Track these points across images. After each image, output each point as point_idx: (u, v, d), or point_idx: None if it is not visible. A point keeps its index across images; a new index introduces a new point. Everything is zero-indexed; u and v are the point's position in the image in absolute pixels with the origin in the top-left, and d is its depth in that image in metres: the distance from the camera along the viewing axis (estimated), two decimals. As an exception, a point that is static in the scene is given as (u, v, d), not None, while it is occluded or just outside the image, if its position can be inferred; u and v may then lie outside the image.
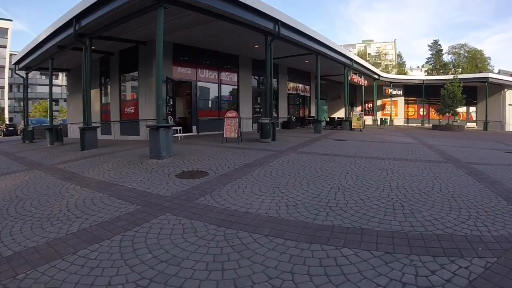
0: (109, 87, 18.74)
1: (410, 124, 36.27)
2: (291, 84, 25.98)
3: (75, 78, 20.80)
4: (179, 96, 19.28)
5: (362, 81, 27.13)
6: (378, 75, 31.49)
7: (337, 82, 28.73)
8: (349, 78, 23.91)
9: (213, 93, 19.57)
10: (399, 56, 67.36)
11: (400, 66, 64.18)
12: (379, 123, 33.01)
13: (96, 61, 17.74)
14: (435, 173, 7.46)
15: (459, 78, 30.92)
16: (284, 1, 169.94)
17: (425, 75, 52.52)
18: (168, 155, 9.28)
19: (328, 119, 25.79)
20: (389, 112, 36.82)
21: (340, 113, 32.85)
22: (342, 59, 21.93)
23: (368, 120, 34.33)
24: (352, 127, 22.75)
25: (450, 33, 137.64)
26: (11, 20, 62.35)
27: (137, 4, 10.26)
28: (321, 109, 31.27)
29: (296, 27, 14.90)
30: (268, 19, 12.91)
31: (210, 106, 19.41)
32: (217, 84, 19.46)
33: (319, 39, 17.59)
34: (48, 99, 14.30)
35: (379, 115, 37.35)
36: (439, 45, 54.37)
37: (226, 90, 20.22)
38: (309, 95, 28.77)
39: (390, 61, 65.69)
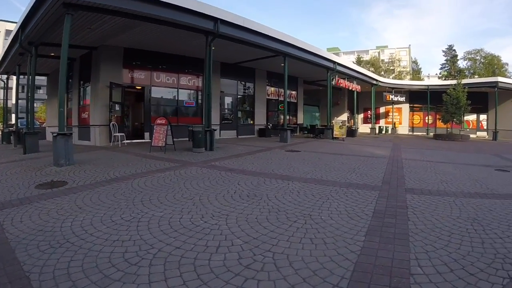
0: (71, 92, 17.92)
1: (415, 133, 32.66)
2: (272, 89, 23.61)
3: (52, 83, 20.53)
4: (139, 101, 17.78)
5: (353, 86, 24.12)
6: (376, 80, 28.23)
7: (334, 88, 25.65)
8: (333, 82, 21.07)
9: (171, 99, 17.90)
10: (415, 62, 62.52)
11: (416, 73, 59.71)
12: (377, 132, 29.61)
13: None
14: (313, 215, 4.92)
15: (466, 83, 27.37)
16: (307, 8, 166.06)
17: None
18: (68, 163, 8.81)
19: (309, 127, 22.85)
20: (393, 120, 33.28)
21: (337, 121, 29.84)
22: (321, 62, 19.52)
23: (366, 128, 31.10)
24: (334, 136, 19.92)
25: (471, 40, 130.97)
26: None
27: (51, 16, 10.06)
28: (313, 116, 28.56)
29: (240, 24, 13.34)
30: (205, 17, 11.84)
31: (166, 112, 17.63)
32: (176, 89, 17.83)
33: (280, 38, 15.59)
34: (29, 102, 14.20)
35: (382, 123, 33.99)
36: (454, 50, 49.79)
37: (187, 95, 18.51)
38: (295, 101, 26.01)
39: (404, 68, 61.30)
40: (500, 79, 27.17)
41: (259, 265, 3.13)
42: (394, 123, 32.85)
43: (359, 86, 25.29)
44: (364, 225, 4.36)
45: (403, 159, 11.74)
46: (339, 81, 21.95)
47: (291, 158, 11.05)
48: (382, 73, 52.60)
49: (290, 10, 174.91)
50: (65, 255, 3.32)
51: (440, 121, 27.20)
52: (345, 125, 20.30)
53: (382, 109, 34.62)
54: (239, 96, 21.57)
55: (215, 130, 13.29)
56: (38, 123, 31.55)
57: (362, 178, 7.88)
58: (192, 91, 18.63)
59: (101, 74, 14.61)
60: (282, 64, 19.10)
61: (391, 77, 50.39)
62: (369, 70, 52.98)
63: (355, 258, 3.34)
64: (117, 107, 15.35)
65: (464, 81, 29.15)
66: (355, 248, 3.59)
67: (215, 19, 12.11)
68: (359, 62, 55.25)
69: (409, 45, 76.64)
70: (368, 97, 29.90)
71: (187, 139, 14.91)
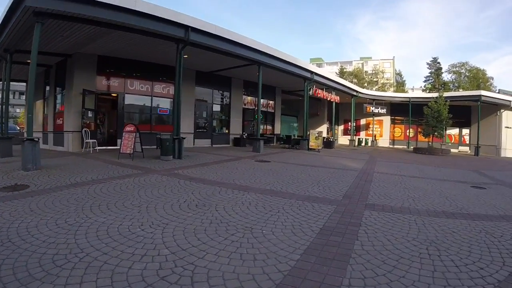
0: (47, 99, 18.00)
1: (396, 146, 32.17)
2: (249, 98, 22.90)
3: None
4: (115, 108, 17.21)
5: (332, 97, 23.47)
6: (356, 91, 27.68)
7: (313, 98, 24.88)
8: (310, 92, 20.41)
9: (145, 106, 17.46)
10: (399, 74, 62.38)
11: (400, 85, 59.64)
12: (356, 144, 28.98)
13: (41, 73, 17.68)
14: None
15: (449, 96, 27.03)
16: (292, 19, 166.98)
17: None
18: (35, 167, 8.84)
19: (284, 137, 22.10)
20: (374, 132, 32.75)
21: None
22: (298, 72, 18.97)
23: (346, 140, 30.51)
24: (310, 147, 19.16)
25: (458, 53, 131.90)
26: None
27: (23, 25, 10.24)
28: (291, 126, 27.87)
29: (212, 32, 13.09)
30: (175, 25, 11.64)
31: (141, 119, 17.31)
32: (150, 97, 17.34)
33: (254, 46, 15.20)
34: (3, 106, 14.48)
35: (362, 135, 33.45)
36: (439, 63, 49.73)
37: (161, 103, 17.96)
38: (273, 110, 25.27)
39: (387, 79, 61.20)
40: (483, 92, 26.74)
41: (175, 278, 3.00)
42: (375, 136, 32.33)
43: (338, 97, 24.67)
44: (305, 243, 4.00)
45: (374, 173, 11.15)
46: (317, 91, 21.26)
47: (258, 169, 10.56)
48: (366, 84, 52.31)
49: (276, 20, 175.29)
50: (3, 253, 3.43)
51: (421, 134, 26.65)
52: (321, 136, 19.53)
53: (363, 121, 34.12)
54: (214, 105, 20.88)
55: (185, 138, 12.91)
56: (19, 129, 30.86)
57: (324, 191, 7.39)
58: (166, 99, 18.09)
59: (74, 81, 14.51)
60: (257, 73, 18.62)
61: (374, 88, 50.16)
62: (352, 81, 52.94)
63: (280, 279, 3.04)
64: (90, 114, 15.18)
65: (447, 94, 28.82)
66: (284, 268, 3.29)
67: (185, 27, 11.88)
68: (342, 73, 54.98)
69: (393, 56, 76.40)
70: (349, 108, 29.41)
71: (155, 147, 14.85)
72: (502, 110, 27.77)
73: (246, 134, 20.98)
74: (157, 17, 10.93)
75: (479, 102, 25.68)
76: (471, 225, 5.06)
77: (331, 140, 23.88)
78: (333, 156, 16.79)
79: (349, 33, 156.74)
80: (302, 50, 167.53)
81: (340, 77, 54.86)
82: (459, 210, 6.08)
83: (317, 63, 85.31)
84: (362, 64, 72.45)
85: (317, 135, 19.30)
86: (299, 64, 18.62)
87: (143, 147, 12.24)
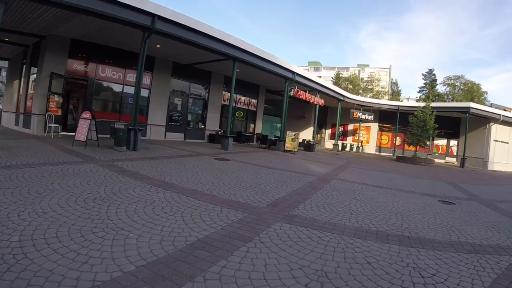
0: (22, 79, 17.27)
1: (382, 153, 31.35)
2: (228, 95, 21.83)
3: (13, 68, 20.25)
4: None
5: (316, 99, 22.60)
6: (343, 96, 26.83)
7: (301, 100, 23.89)
8: (291, 93, 19.59)
9: (115, 94, 16.70)
10: (395, 84, 61.61)
11: (396, 95, 58.76)
12: (340, 149, 28.15)
13: (20, 53, 17.68)
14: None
15: (437, 107, 26.23)
16: (296, 22, 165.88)
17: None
18: None
19: (261, 137, 21.28)
20: (360, 138, 31.93)
21: (302, 135, 28.27)
22: (277, 70, 18.19)
23: (331, 144, 29.65)
24: (286, 149, 18.35)
25: (457, 68, 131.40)
26: None
27: None
28: (274, 127, 27.02)
29: (180, 22, 12.47)
30: (142, 13, 11.18)
31: (110, 107, 16.61)
32: (121, 85, 16.55)
33: (227, 40, 14.51)
34: None
35: (349, 140, 32.62)
36: (434, 74, 49.04)
37: (133, 92, 16.57)
38: (255, 109, 24.42)
39: (382, 88, 60.29)
40: (472, 104, 25.90)
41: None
42: (361, 142, 31.47)
43: (322, 100, 23.76)
44: (160, 254, 3.41)
45: (335, 179, 10.34)
46: (299, 93, 20.38)
47: (207, 167, 9.87)
48: (360, 91, 51.53)
49: (280, 22, 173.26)
50: None
51: (405, 143, 25.83)
52: (297, 138, 18.71)
53: (350, 126, 33.32)
54: (190, 98, 19.99)
55: (142, 129, 12.27)
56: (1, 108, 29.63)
57: (253, 196, 6.64)
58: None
59: (45, 63, 13.96)
60: (238, 70, 18.00)
61: (368, 96, 49.33)
62: (347, 87, 52.24)
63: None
64: (56, 98, 14.40)
65: (436, 104, 28.09)
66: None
67: (152, 15, 11.42)
68: (338, 78, 54.26)
69: (390, 66, 75.47)
70: (337, 112, 28.54)
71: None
72: (491, 124, 27.00)
73: (221, 131, 20.07)
74: (122, 3, 10.50)
75: (467, 114, 24.90)
76: (401, 254, 4.11)
77: (312, 143, 22.98)
78: (306, 160, 15.96)
79: (352, 41, 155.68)
80: (304, 54, 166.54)
81: (335, 82, 54.51)
82: (400, 232, 5.17)
83: (314, 67, 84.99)
84: (359, 71, 71.63)
85: (293, 136, 18.48)
86: (278, 63, 17.81)
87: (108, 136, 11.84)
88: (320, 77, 78.53)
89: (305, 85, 20.98)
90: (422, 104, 27.21)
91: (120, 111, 16.61)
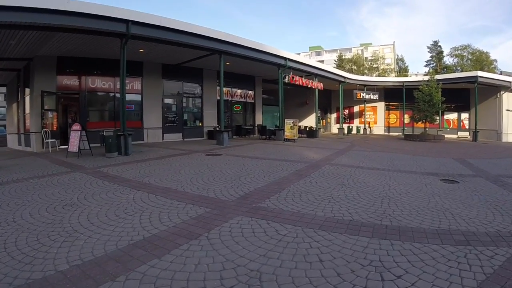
0: (19, 101, 17.98)
1: (391, 133, 30.31)
2: (224, 90, 21.26)
3: (10, 92, 20.93)
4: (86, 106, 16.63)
5: (314, 84, 21.84)
6: (344, 77, 25.89)
7: (302, 87, 23.12)
8: (285, 79, 18.99)
9: (108, 103, 16.93)
10: (401, 60, 59.76)
11: (403, 71, 56.99)
12: (346, 132, 27.33)
13: (15, 77, 18.26)
14: None
15: (443, 79, 25.11)
16: (292, 8, 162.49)
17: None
18: None
19: (259, 128, 20.76)
20: (367, 120, 31.00)
21: (306, 122, 27.65)
22: (267, 58, 17.61)
23: (335, 128, 28.84)
24: (285, 137, 17.80)
25: (463, 38, 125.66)
26: None
27: None
28: (274, 117, 26.27)
29: (157, 24, 12.36)
30: (115, 21, 11.21)
31: (105, 116, 16.76)
32: (113, 93, 16.65)
33: (209, 35, 14.22)
34: None
35: (356, 122, 31.69)
36: (439, 46, 47.21)
37: (126, 98, 16.68)
38: (252, 101, 23.84)
39: (388, 65, 58.58)
40: (480, 73, 24.50)
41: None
42: (369, 123, 30.56)
43: (321, 84, 22.95)
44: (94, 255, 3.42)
45: (328, 165, 9.82)
46: (295, 78, 19.69)
47: (195, 164, 9.69)
48: (366, 71, 50.19)
49: (278, 10, 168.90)
50: None
51: (412, 120, 24.82)
52: (296, 125, 18.10)
53: (356, 108, 32.29)
54: (185, 98, 19.76)
55: (132, 134, 12.29)
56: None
57: (228, 190, 6.36)
58: (132, 95, 17.17)
59: (35, 83, 14.35)
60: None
61: (375, 75, 47.95)
62: (351, 68, 50.97)
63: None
64: (50, 114, 14.89)
65: (440, 76, 26.84)
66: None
67: (126, 21, 11.40)
68: (340, 60, 52.97)
69: (394, 42, 72.81)
70: (344, 96, 27.66)
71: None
72: (502, 92, 25.58)
73: (218, 127, 19.62)
74: (93, 14, 10.57)
75: (475, 84, 23.63)
76: (368, 249, 3.50)
77: (314, 129, 22.30)
78: (304, 147, 15.38)
79: (353, 21, 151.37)
80: (306, 40, 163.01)
81: (339, 64, 53.25)
82: (379, 220, 4.57)
83: (316, 51, 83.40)
84: (362, 50, 69.76)
85: (292, 124, 17.92)
86: (267, 51, 17.23)
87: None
88: (322, 61, 77.49)
89: (300, 70, 20.28)
90: (427, 78, 25.99)
91: (115, 118, 16.47)
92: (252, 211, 4.91)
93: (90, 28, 10.88)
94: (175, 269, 3.04)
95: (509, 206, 5.40)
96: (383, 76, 48.71)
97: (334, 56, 61.78)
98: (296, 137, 18.01)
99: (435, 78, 23.87)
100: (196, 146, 15.26)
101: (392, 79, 32.06)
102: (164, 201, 5.52)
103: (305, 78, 20.87)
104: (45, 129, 13.96)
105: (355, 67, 49.81)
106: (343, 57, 55.23)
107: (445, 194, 6.26)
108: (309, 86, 21.52)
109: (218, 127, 19.63)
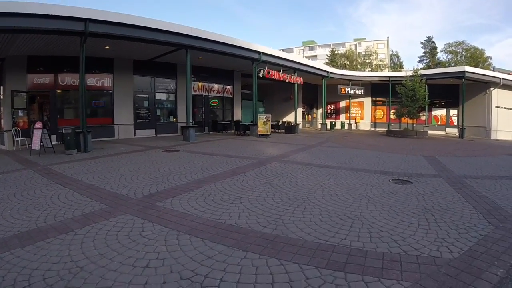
0: None
1: (377, 129, 29.61)
2: (199, 84, 21.10)
3: None
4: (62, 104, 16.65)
5: (292, 78, 21.21)
6: (327, 71, 25.24)
7: (280, 81, 22.53)
8: (260, 74, 18.45)
9: (78, 100, 16.04)
10: (396, 55, 58.78)
11: (398, 67, 56.07)
12: (328, 127, 26.70)
13: None
14: None
15: (429, 74, 24.46)
16: (290, 3, 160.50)
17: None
18: None
19: (235, 123, 20.26)
20: (353, 115, 30.38)
21: (291, 117, 27.02)
22: (239, 53, 17.13)
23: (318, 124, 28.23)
24: (258, 133, 17.28)
25: (461, 35, 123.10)
26: None
27: None
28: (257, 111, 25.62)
29: (115, 21, 12.28)
30: (73, 20, 11.24)
31: (75, 114, 16.32)
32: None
33: (173, 30, 14.03)
34: None
35: (343, 118, 31.01)
36: (433, 42, 46.27)
37: (95, 95, 16.93)
38: (231, 96, 23.28)
39: (381, 61, 57.64)
40: (467, 68, 23.67)
41: None
42: (355, 118, 29.92)
43: (301, 78, 22.35)
44: None
45: (276, 161, 9.44)
46: (271, 73, 19.07)
47: (140, 161, 9.53)
48: (359, 66, 49.33)
49: (275, 6, 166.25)
50: None
51: (395, 115, 24.13)
52: (269, 120, 17.55)
53: (342, 104, 31.58)
54: (157, 93, 19.29)
55: (90, 131, 12.22)
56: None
57: (142, 188, 6.19)
58: (101, 91, 17.07)
59: (6, 82, 14.36)
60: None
61: (367, 70, 47.09)
62: (344, 63, 50.16)
63: None
64: (20, 113, 14.86)
65: (427, 71, 26.18)
66: None
67: (84, 20, 11.41)
68: (333, 55, 52.12)
69: (388, 37, 71.51)
70: (329, 90, 27.06)
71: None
72: (492, 88, 24.81)
73: (193, 122, 19.14)
74: (52, 15, 10.67)
75: (463, 79, 22.88)
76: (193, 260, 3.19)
77: (292, 124, 21.74)
78: (272, 142, 14.96)
79: (351, 17, 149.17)
80: (303, 35, 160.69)
81: (331, 59, 52.42)
82: (263, 227, 4.17)
83: (309, 46, 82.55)
84: (356, 45, 68.65)
85: (264, 119, 17.38)
86: (239, 45, 16.76)
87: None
88: (315, 56, 76.57)
89: (277, 64, 19.75)
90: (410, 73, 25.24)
91: (85, 115, 16.05)
92: (142, 210, 4.80)
93: (50, 29, 10.94)
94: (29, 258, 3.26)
95: (448, 216, 4.63)
96: (375, 71, 47.84)
97: (327, 51, 60.82)
98: (269, 133, 17.46)
99: (420, 73, 23.16)
100: (162, 142, 15.00)
101: (378, 74, 31.28)
102: (78, 199, 5.49)
103: (282, 73, 20.24)
104: (15, 128, 13.99)
105: (348, 62, 49.01)
106: (336, 52, 54.33)
107: (381, 197, 5.68)
108: (287, 81, 20.86)
109: (192, 122, 19.19)
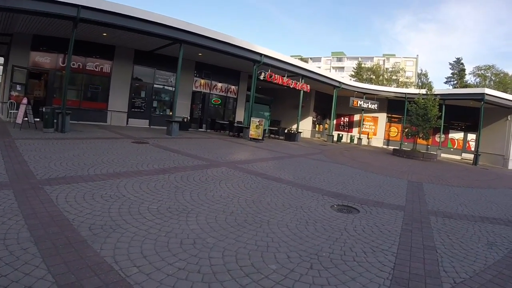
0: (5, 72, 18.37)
1: (390, 147, 27.83)
2: (202, 81, 20.56)
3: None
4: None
5: (297, 85, 20.18)
6: (339, 82, 23.99)
7: (294, 89, 21.36)
8: (261, 76, 17.63)
9: (76, 82, 16.67)
10: (425, 75, 55.75)
11: (424, 86, 53.08)
12: (335, 139, 25.39)
13: (4, 50, 18.67)
14: None
15: (448, 94, 22.77)
16: (336, 15, 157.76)
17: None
18: None
19: (229, 123, 19.45)
20: (366, 130, 28.89)
21: (302, 124, 26.00)
22: (238, 52, 16.47)
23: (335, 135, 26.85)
24: (250, 136, 16.48)
25: (496, 61, 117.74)
26: None
27: None
28: (260, 115, 24.65)
29: (107, 9, 12.18)
30: (65, 5, 11.28)
31: (73, 95, 16.34)
32: (81, 74, 16.59)
33: (166, 23, 13.68)
34: None
35: (355, 132, 29.53)
36: (462, 64, 43.57)
37: (93, 80, 17.08)
38: (235, 96, 22.56)
39: (408, 78, 54.95)
40: (487, 91, 21.53)
41: None
42: (368, 134, 28.39)
43: (307, 85, 21.24)
44: None
45: (230, 168, 8.52)
46: (274, 77, 18.17)
47: (98, 149, 9.04)
48: (384, 82, 47.27)
49: (316, 15, 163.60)
50: None
51: (404, 134, 22.55)
52: (261, 125, 16.69)
53: (356, 117, 30.03)
54: (156, 85, 18.99)
55: (70, 113, 12.31)
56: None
57: (48, 175, 5.77)
58: (99, 77, 17.10)
59: (10, 57, 15.06)
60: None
61: (393, 87, 45.01)
62: (370, 77, 48.28)
63: None
64: (18, 87, 15.40)
65: (445, 91, 24.56)
66: None
67: (76, 6, 11.48)
68: (359, 68, 50.30)
69: (417, 55, 68.48)
70: (343, 102, 25.73)
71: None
72: (512, 115, 22.76)
73: (187, 118, 18.62)
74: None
75: (482, 102, 20.96)
76: None
77: (292, 132, 20.70)
78: (257, 148, 14.18)
79: (387, 33, 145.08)
80: (335, 46, 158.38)
81: (357, 72, 50.63)
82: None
83: (337, 57, 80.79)
84: (384, 60, 66.15)
85: (257, 123, 16.53)
86: (238, 44, 16.12)
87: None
88: (342, 67, 74.67)
89: (281, 68, 18.87)
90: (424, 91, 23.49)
91: (80, 97, 16.69)
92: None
93: (43, 11, 11.05)
94: None
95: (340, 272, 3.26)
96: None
97: (355, 63, 58.87)
98: (260, 137, 16.58)
99: (435, 92, 21.53)
100: (146, 133, 14.66)
101: (394, 89, 29.38)
102: None
103: (287, 78, 19.28)
104: (11, 101, 14.30)
105: (374, 77, 47.11)
106: (362, 66, 52.43)
107: (287, 226, 4.43)
108: (291, 86, 19.85)
109: (186, 118, 18.75)
